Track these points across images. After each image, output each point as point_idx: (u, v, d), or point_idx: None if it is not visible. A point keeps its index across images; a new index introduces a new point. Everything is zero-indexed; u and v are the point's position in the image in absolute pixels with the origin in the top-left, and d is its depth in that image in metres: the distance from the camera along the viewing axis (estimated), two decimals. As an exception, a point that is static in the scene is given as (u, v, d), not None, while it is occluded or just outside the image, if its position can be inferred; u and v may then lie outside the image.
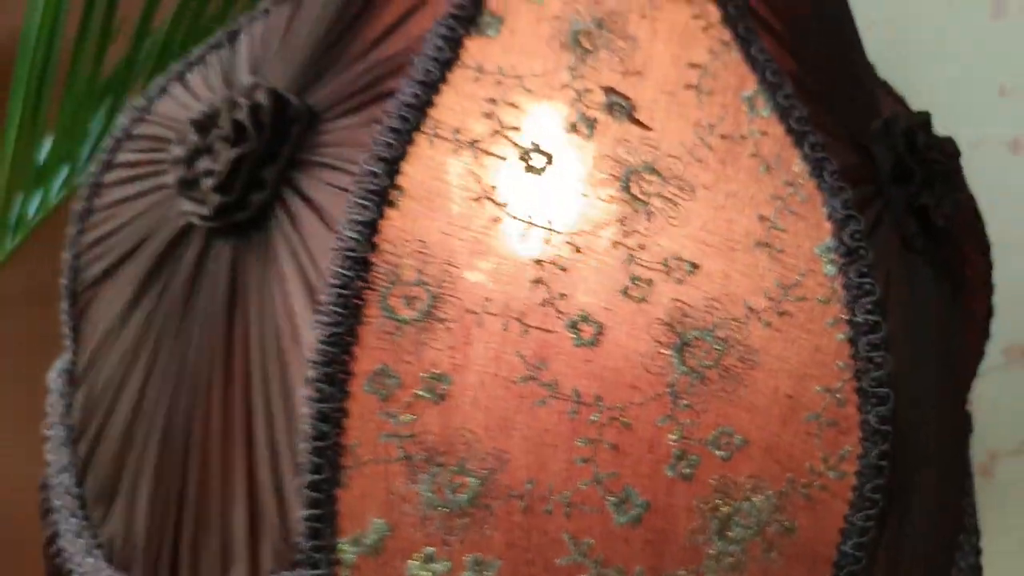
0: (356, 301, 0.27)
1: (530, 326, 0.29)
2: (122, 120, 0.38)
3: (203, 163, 0.31)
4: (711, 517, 0.30)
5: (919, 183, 0.34)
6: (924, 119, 0.36)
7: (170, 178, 0.32)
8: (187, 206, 0.32)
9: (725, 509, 0.30)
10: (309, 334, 0.28)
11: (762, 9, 0.34)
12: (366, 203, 0.27)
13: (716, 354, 0.29)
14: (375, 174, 0.28)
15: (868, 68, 0.39)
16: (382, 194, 0.28)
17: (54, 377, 0.42)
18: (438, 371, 0.28)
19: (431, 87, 0.30)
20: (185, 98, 0.37)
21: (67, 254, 0.39)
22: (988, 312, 0.41)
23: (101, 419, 0.36)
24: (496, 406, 0.28)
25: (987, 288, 0.41)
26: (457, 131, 0.30)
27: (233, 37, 0.38)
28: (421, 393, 0.28)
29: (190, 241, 0.33)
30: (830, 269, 0.30)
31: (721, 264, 0.30)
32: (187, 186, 0.32)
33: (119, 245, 0.36)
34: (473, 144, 0.29)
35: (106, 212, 0.37)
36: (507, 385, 0.28)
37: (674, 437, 0.29)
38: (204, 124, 0.32)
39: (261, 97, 0.31)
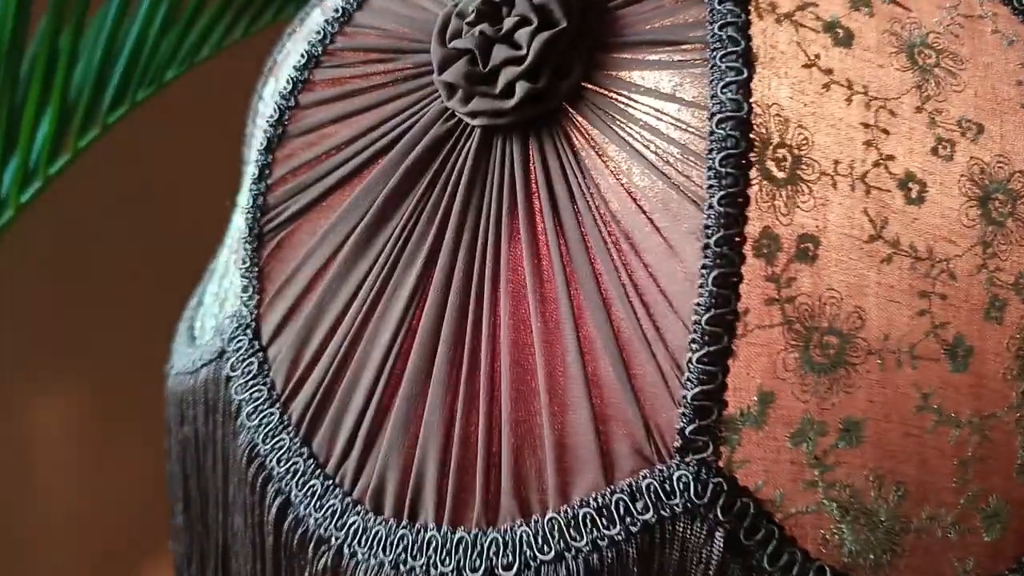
0: (744, 162, 0.27)
1: (871, 186, 0.29)
2: (305, 40, 0.35)
3: (500, 52, 0.29)
4: (1016, 358, 0.32)
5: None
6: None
7: (449, 76, 0.30)
8: (475, 105, 0.30)
9: (1025, 351, 0.32)
10: (672, 200, 0.27)
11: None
12: (738, 66, 0.27)
13: (1011, 204, 0.32)
14: (736, 40, 0.27)
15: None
16: (745, 56, 0.27)
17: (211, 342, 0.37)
18: (807, 232, 0.28)
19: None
20: (398, 6, 0.34)
21: (252, 191, 0.35)
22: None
23: (335, 355, 0.32)
24: (853, 265, 0.29)
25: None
26: (772, 4, 0.30)
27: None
28: (796, 255, 0.28)
29: (460, 142, 0.31)
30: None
31: (997, 125, 0.32)
32: (474, 79, 0.30)
33: (339, 166, 0.33)
34: (788, 16, 0.30)
35: (311, 135, 0.34)
36: (860, 245, 0.29)
37: (987, 284, 0.31)
38: (484, 13, 0.30)
39: (557, -24, 0.29)
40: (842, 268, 0.29)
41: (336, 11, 0.34)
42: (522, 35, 0.29)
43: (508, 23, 0.29)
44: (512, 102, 0.29)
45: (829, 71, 0.30)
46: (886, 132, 0.30)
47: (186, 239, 0.66)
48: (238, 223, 0.42)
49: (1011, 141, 0.32)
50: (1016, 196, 0.32)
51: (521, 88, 0.29)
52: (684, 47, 0.29)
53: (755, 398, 0.28)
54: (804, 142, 0.28)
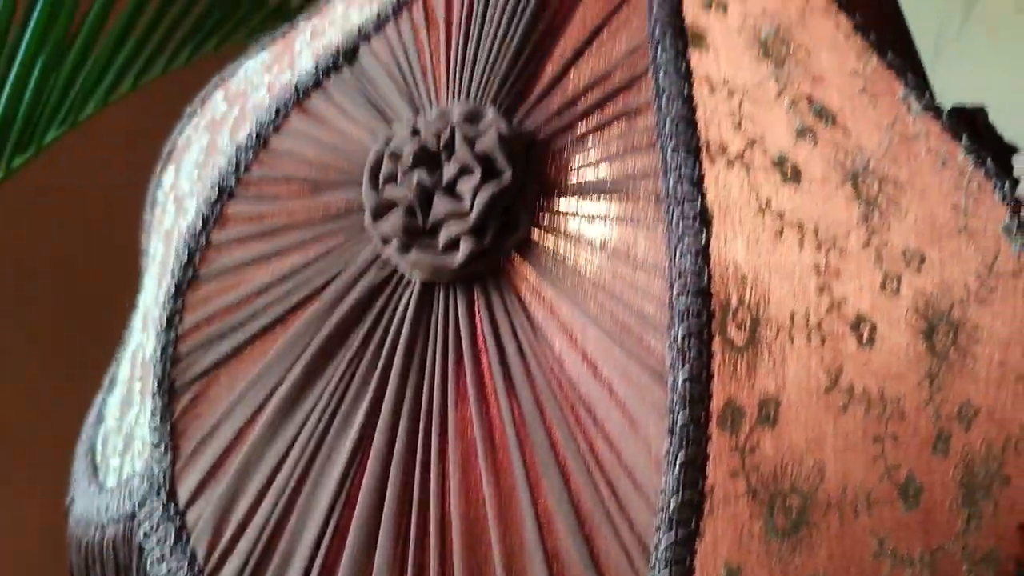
0: (706, 335, 0.25)
1: (826, 335, 0.29)
2: (220, 165, 0.31)
3: (441, 205, 0.27)
4: (960, 486, 0.32)
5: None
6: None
7: (385, 227, 0.27)
8: (414, 259, 0.27)
9: (968, 478, 0.32)
10: (632, 372, 0.26)
11: (869, 14, 0.38)
12: (695, 228, 0.26)
13: (953, 334, 0.32)
14: (692, 197, 0.26)
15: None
16: (702, 215, 0.26)
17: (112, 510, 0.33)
18: (768, 395, 0.27)
19: (688, 103, 0.28)
20: (318, 132, 0.31)
21: (160, 342, 0.31)
22: None
23: (264, 525, 0.29)
24: (812, 419, 0.28)
25: None
26: (722, 147, 0.29)
27: (349, 59, 0.33)
28: (759, 420, 0.27)
29: (397, 292, 0.28)
30: (1016, 245, 0.34)
31: (937, 252, 0.32)
32: (413, 234, 0.27)
33: (261, 312, 0.30)
34: (739, 157, 0.29)
35: (227, 278, 0.30)
36: (818, 398, 0.28)
37: (933, 418, 0.31)
38: (421, 159, 0.27)
39: (501, 125, 0.27)
40: (801, 424, 0.28)
41: (250, 135, 0.31)
42: (464, 187, 0.27)
43: (448, 172, 0.27)
44: (456, 260, 0.27)
45: (781, 215, 0.29)
46: (837, 274, 0.30)
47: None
48: (142, 341, 0.38)
49: (950, 268, 0.32)
50: (957, 325, 0.32)
51: (466, 246, 0.27)
52: (637, 199, 0.27)
53: (723, 573, 0.27)
54: (762, 299, 0.27)
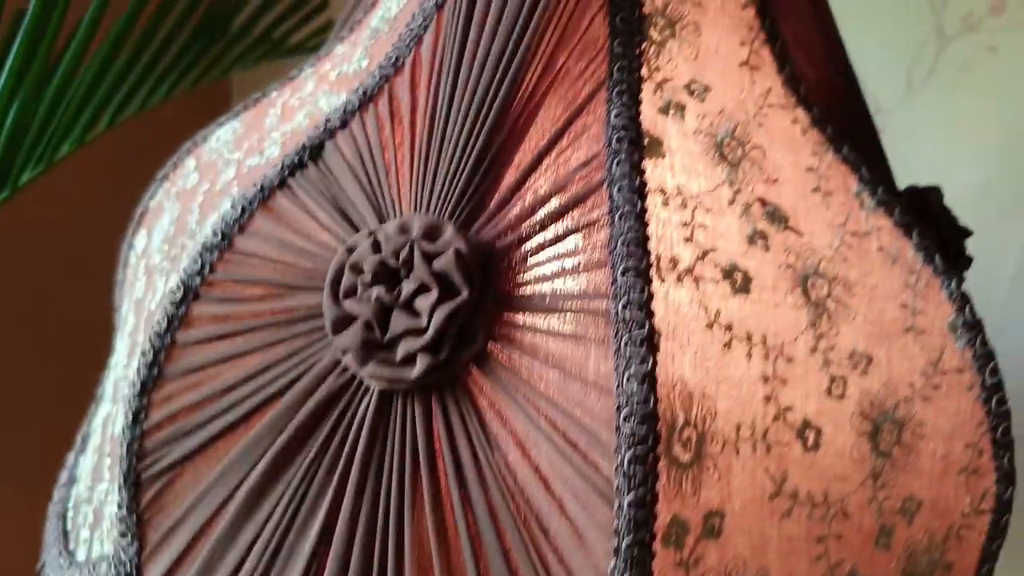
0: (652, 457, 0.26)
1: (771, 444, 0.30)
2: (186, 262, 0.32)
3: (399, 321, 0.28)
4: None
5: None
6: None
7: (344, 340, 0.28)
8: (372, 370, 0.28)
9: (911, 568, 0.33)
10: (580, 490, 0.27)
11: (828, 102, 0.38)
12: (642, 353, 0.26)
13: (897, 432, 0.33)
14: (640, 322, 0.27)
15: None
16: (649, 339, 0.27)
17: None
18: (713, 508, 0.28)
19: (640, 219, 0.29)
20: (282, 233, 0.32)
21: (126, 436, 0.32)
22: None
23: None
24: (757, 526, 0.29)
25: None
26: (672, 261, 0.29)
27: (315, 156, 0.33)
28: (703, 533, 0.28)
29: (356, 398, 0.29)
30: (960, 342, 0.35)
31: (884, 351, 0.33)
32: (368, 350, 0.28)
33: (224, 412, 0.31)
34: (689, 272, 0.30)
35: (191, 377, 0.31)
36: (762, 505, 0.29)
37: (876, 515, 0.32)
38: (380, 276, 0.28)
39: (459, 243, 0.28)
40: (746, 532, 0.29)
41: (215, 234, 0.32)
42: (422, 304, 0.28)
43: (407, 288, 0.28)
44: (413, 374, 0.28)
45: (729, 327, 0.30)
46: (784, 382, 0.31)
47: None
48: (112, 411, 0.39)
49: (896, 366, 0.33)
50: (902, 423, 0.33)
51: (422, 361, 0.27)
52: (589, 317, 0.28)
53: None
54: (708, 414, 0.28)
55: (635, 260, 0.28)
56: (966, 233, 0.42)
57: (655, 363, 0.27)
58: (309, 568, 0.29)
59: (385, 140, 0.33)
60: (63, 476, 0.45)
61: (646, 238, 0.29)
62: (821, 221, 0.34)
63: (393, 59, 0.35)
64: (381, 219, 0.31)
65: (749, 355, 0.30)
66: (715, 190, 0.32)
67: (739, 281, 0.31)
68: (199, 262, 0.31)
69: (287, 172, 0.33)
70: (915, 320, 0.34)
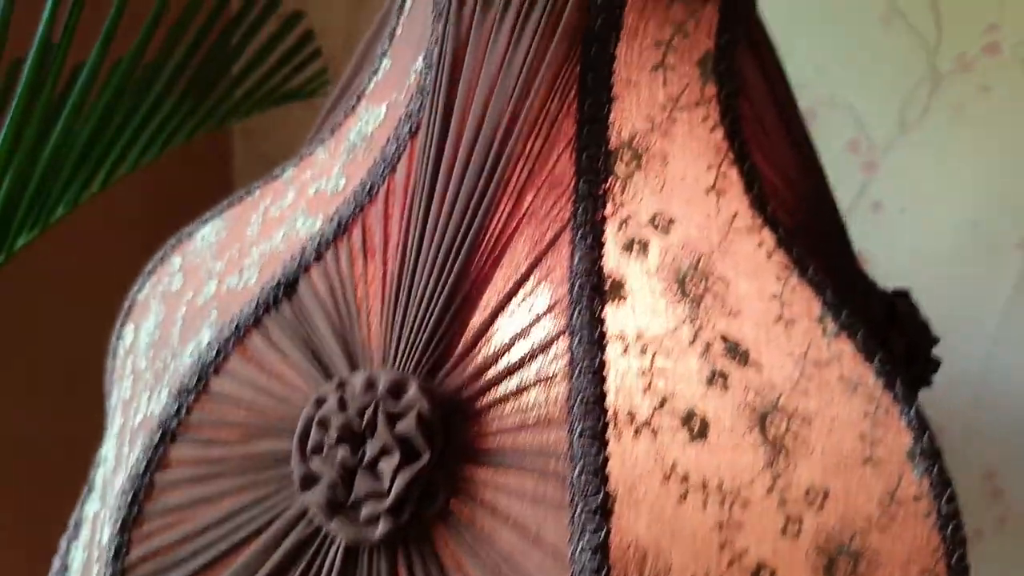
0: (604, 624, 0.27)
1: (725, 589, 0.31)
2: (163, 401, 0.33)
3: (362, 484, 0.29)
4: None
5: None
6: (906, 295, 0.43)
7: (311, 498, 0.29)
8: (337, 527, 0.29)
9: None
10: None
11: (786, 221, 0.39)
12: (595, 522, 0.28)
13: (852, 564, 0.34)
14: (594, 489, 0.28)
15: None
16: (604, 508, 0.28)
17: None
18: (666, 659, 0.29)
19: (599, 374, 0.30)
20: (255, 376, 0.33)
21: (108, 570, 0.33)
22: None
23: None
24: (710, 671, 0.30)
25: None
26: (631, 415, 0.30)
27: (289, 293, 0.34)
28: None
29: (324, 549, 0.30)
30: (918, 471, 0.36)
31: (842, 483, 0.34)
32: (333, 508, 0.29)
33: (199, 552, 0.32)
34: (647, 423, 0.31)
35: (169, 517, 0.32)
36: (716, 650, 0.30)
37: (833, 647, 0.33)
38: (345, 436, 0.29)
39: (422, 405, 0.29)
40: None
41: (193, 376, 0.33)
42: (384, 468, 0.29)
43: (370, 450, 0.29)
44: (376, 535, 0.29)
45: (686, 477, 0.31)
46: (739, 526, 0.32)
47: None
48: (100, 512, 0.40)
49: (853, 498, 0.34)
50: (857, 555, 0.34)
51: (384, 524, 0.29)
52: (547, 478, 0.29)
53: None
54: (663, 569, 0.29)
55: (592, 420, 0.29)
56: (933, 340, 0.43)
57: (608, 531, 0.28)
58: None
59: (358, 276, 0.34)
60: (56, 563, 0.46)
61: (603, 395, 0.30)
62: (782, 352, 0.35)
63: (368, 187, 0.36)
64: (352, 363, 0.32)
65: (704, 504, 0.31)
66: (676, 330, 0.33)
67: (697, 427, 0.32)
68: (176, 404, 0.33)
69: (262, 310, 0.34)
70: (873, 450, 0.35)
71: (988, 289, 0.90)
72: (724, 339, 0.34)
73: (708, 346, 0.33)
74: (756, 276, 0.36)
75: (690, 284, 0.34)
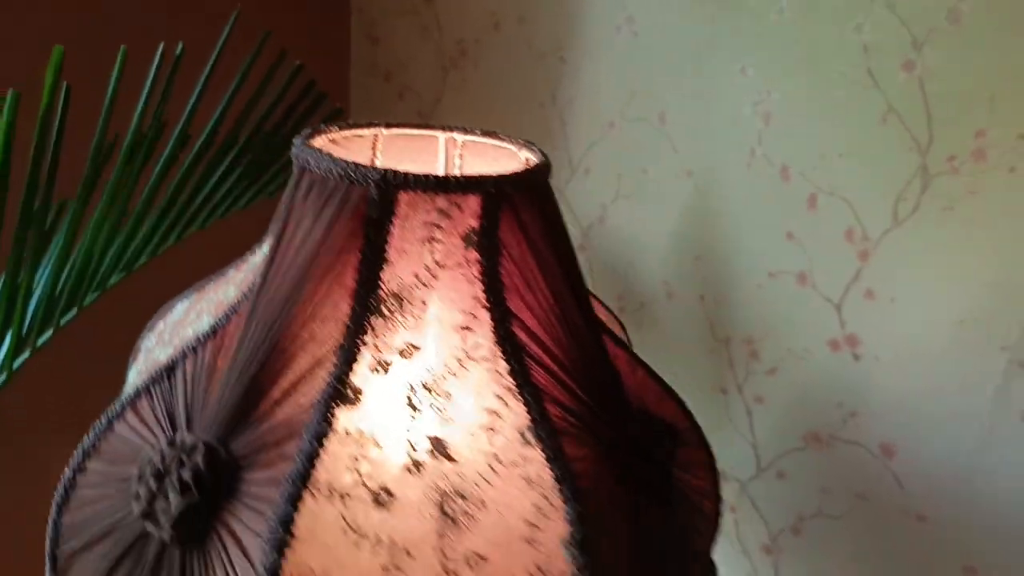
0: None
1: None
2: (94, 432, 0.53)
3: (160, 504, 0.47)
4: None
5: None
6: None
7: (135, 507, 0.48)
8: (149, 527, 0.47)
9: None
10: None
11: (532, 348, 0.52)
12: (273, 554, 0.44)
13: (500, 612, 0.47)
14: (273, 533, 0.44)
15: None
16: (280, 545, 0.44)
17: None
18: (325, 647, 0.45)
19: (314, 455, 0.46)
20: (138, 427, 0.52)
21: (51, 521, 0.54)
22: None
23: None
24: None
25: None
26: (330, 485, 0.46)
27: (171, 373, 0.53)
28: (315, 662, 0.45)
29: (150, 541, 0.49)
30: (568, 557, 0.48)
31: (502, 554, 0.48)
32: (148, 516, 0.47)
33: (92, 531, 0.51)
34: (343, 494, 0.46)
35: (82, 504, 0.52)
36: (369, 648, 0.46)
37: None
38: (159, 473, 0.48)
39: (200, 460, 0.47)
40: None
41: (110, 416, 0.53)
42: (172, 497, 0.47)
43: (167, 484, 0.47)
44: (167, 537, 0.47)
45: (363, 532, 0.46)
46: (400, 570, 0.46)
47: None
48: None
49: (508, 566, 0.48)
50: (506, 606, 0.47)
51: (168, 532, 0.46)
52: (264, 519, 0.45)
53: None
54: (329, 589, 0.45)
55: (293, 488, 0.45)
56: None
57: (282, 559, 0.44)
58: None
59: (210, 370, 0.52)
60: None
61: (308, 473, 0.46)
62: (480, 452, 0.49)
63: (234, 308, 0.54)
64: (188, 426, 0.50)
65: (375, 551, 0.46)
66: (393, 430, 0.48)
67: (384, 499, 0.46)
68: (94, 432, 0.52)
69: (152, 382, 0.53)
70: (534, 533, 0.48)
71: (976, 386, 0.92)
72: (434, 440, 0.48)
73: (415, 444, 0.48)
74: (480, 395, 0.50)
75: (415, 399, 0.49)
